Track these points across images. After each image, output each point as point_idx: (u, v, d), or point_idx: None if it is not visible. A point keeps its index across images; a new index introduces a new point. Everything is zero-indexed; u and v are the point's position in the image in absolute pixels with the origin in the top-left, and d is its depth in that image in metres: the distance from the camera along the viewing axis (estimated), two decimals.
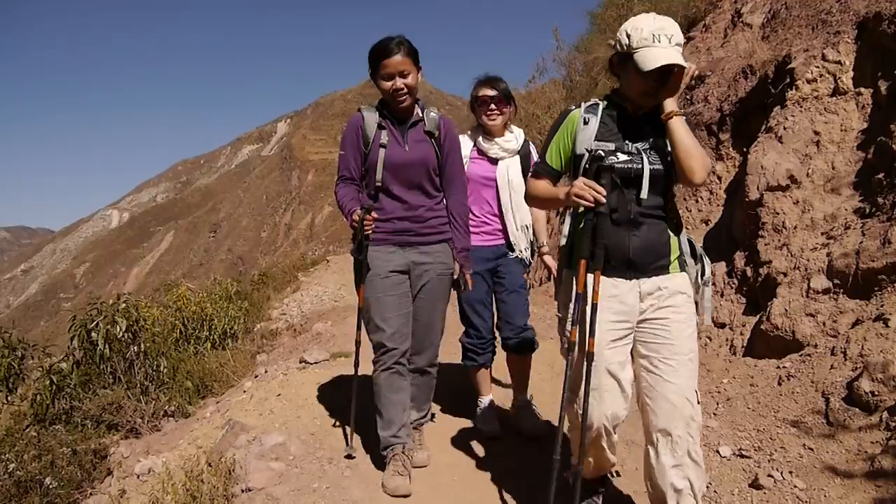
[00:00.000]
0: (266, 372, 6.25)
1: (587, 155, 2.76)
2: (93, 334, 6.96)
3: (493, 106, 4.25)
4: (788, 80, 5.72)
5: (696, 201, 6.58)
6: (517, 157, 4.37)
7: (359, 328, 3.86)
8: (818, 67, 5.54)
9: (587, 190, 2.62)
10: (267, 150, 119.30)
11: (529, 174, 2.98)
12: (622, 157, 2.73)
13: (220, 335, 9.42)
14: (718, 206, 6.37)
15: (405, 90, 3.53)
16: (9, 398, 7.01)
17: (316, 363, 5.92)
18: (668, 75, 2.65)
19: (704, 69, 7.38)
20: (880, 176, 4.66)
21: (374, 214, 3.49)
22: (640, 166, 2.72)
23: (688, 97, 7.25)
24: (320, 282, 14.60)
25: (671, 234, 2.82)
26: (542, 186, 2.92)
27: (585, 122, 2.81)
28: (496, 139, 4.32)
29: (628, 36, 2.65)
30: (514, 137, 4.39)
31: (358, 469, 3.81)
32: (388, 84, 3.50)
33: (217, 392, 7.08)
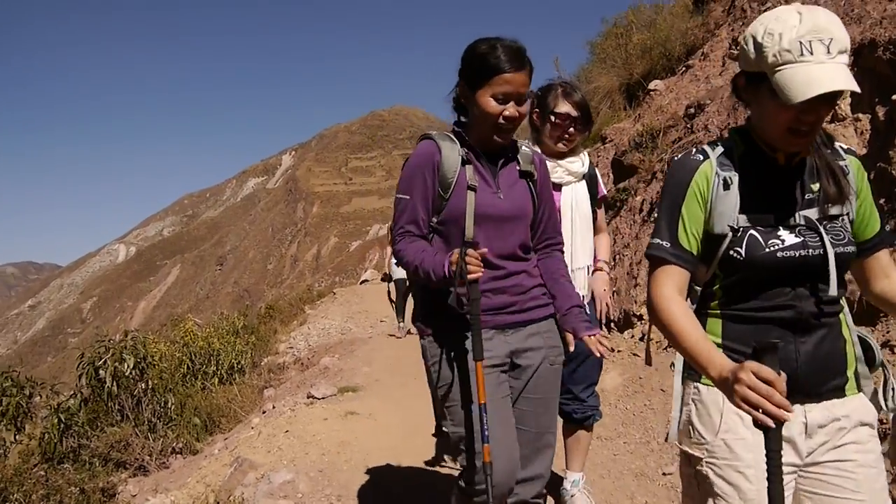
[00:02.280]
0: (274, 407, 6.26)
1: (730, 236, 1.85)
2: (100, 371, 7.00)
3: (572, 129, 3.36)
4: None
5: None
6: (583, 182, 3.52)
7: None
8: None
9: (764, 400, 1.50)
10: (272, 182, 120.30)
11: (650, 263, 1.97)
12: (788, 237, 1.83)
13: (228, 370, 9.45)
14: None
15: (518, 121, 2.48)
16: (17, 437, 7.02)
17: (323, 398, 5.93)
18: (829, 102, 1.73)
19: (704, 97, 7.45)
20: (881, 202, 4.68)
21: (481, 249, 2.33)
22: (819, 251, 1.82)
23: (688, 126, 7.31)
24: (327, 314, 14.62)
25: (846, 336, 1.92)
26: (688, 329, 1.80)
27: (726, 186, 1.87)
28: (559, 161, 3.42)
29: (759, 44, 1.74)
30: (580, 159, 3.50)
31: None
32: (499, 108, 2.40)
33: (225, 428, 7.08)
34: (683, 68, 9.09)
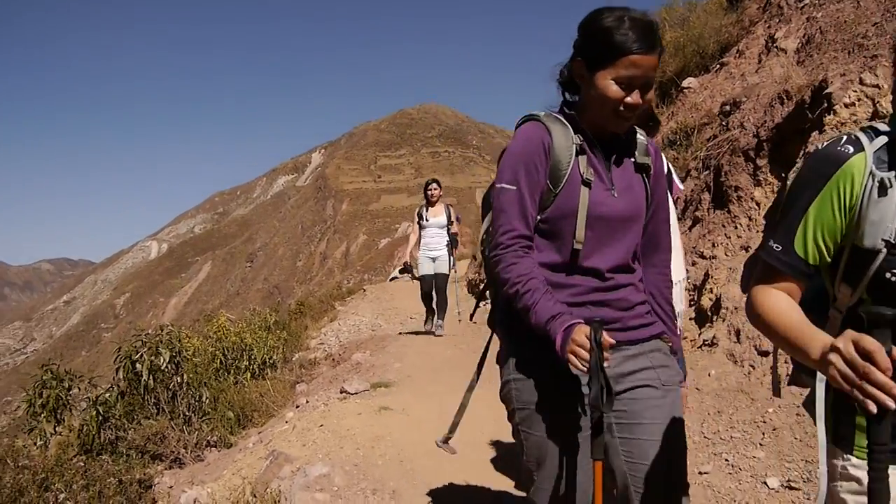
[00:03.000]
0: (307, 402, 6.32)
1: (884, 253, 1.45)
2: (137, 365, 7.10)
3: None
4: (826, 104, 5.70)
5: (735, 227, 6.55)
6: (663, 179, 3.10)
7: None
8: (856, 92, 5.51)
9: (859, 378, 1.22)
10: (302, 180, 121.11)
11: (759, 267, 1.60)
12: None
13: (260, 365, 9.53)
14: (758, 231, 6.33)
15: (639, 110, 2.06)
16: (57, 429, 7.15)
17: (356, 393, 5.97)
18: None
19: (739, 95, 7.37)
20: None
21: (610, 339, 1.92)
22: None
23: (724, 123, 7.24)
24: (357, 311, 14.70)
25: None
26: (785, 312, 1.49)
27: (883, 190, 1.46)
28: None
29: None
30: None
31: (402, 500, 3.83)
32: (621, 94, 2.00)
33: (257, 422, 7.16)
34: (718, 66, 9.00)
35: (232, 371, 9.30)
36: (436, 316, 9.32)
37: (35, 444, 6.77)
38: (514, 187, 2.08)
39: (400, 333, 9.63)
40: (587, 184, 2.06)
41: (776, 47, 7.81)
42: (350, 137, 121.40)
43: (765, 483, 3.94)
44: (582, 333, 1.88)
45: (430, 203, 9.20)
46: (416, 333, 9.00)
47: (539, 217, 2.11)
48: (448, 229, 9.14)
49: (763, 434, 4.48)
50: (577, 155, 2.08)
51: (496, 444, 4.71)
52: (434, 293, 9.21)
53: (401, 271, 9.84)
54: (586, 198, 2.05)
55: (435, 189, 9.18)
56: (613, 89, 1.98)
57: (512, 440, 4.54)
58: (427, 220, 9.14)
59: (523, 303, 2.02)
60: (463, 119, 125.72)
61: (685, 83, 9.30)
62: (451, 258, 9.16)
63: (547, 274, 2.10)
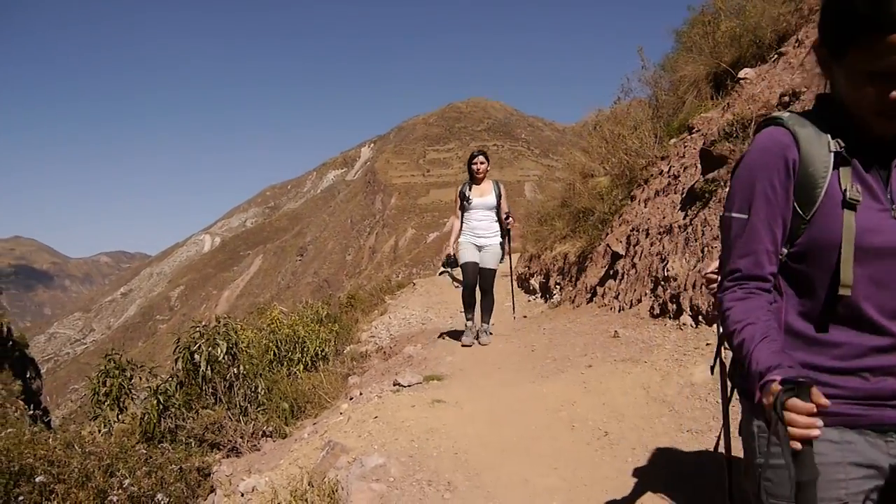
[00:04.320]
0: (361, 394, 6.39)
1: None
2: (195, 356, 7.28)
3: None
4: None
5: None
6: None
7: None
8: None
9: None
10: (351, 174, 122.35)
11: None
12: None
13: (312, 357, 9.67)
14: None
15: None
16: (119, 416, 7.37)
17: (409, 386, 6.02)
18: None
19: (798, 85, 7.20)
20: None
21: (821, 399, 1.31)
22: None
23: None
24: (407, 304, 14.79)
25: None
26: None
27: None
28: None
29: None
30: None
31: (457, 492, 3.85)
32: (880, 93, 1.44)
33: (310, 413, 7.27)
34: (775, 56, 8.79)
35: (285, 363, 9.47)
36: (481, 320, 8.03)
37: (99, 431, 6.99)
38: (745, 216, 1.64)
39: (450, 330, 9.65)
40: (851, 205, 1.52)
41: None
42: (399, 132, 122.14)
43: None
44: (770, 395, 1.37)
45: (475, 180, 7.68)
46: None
47: (785, 252, 1.64)
48: (498, 211, 7.70)
49: None
50: (835, 167, 1.56)
51: (549, 437, 4.71)
52: (479, 291, 7.82)
53: (443, 265, 8.29)
54: (851, 224, 1.51)
55: (482, 163, 7.64)
56: (865, 88, 1.45)
57: (563, 432, 4.54)
58: (471, 201, 7.62)
59: (740, 355, 1.55)
60: (512, 112, 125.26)
61: (741, 74, 9.11)
62: (503, 252, 7.78)
63: (804, 328, 1.62)
